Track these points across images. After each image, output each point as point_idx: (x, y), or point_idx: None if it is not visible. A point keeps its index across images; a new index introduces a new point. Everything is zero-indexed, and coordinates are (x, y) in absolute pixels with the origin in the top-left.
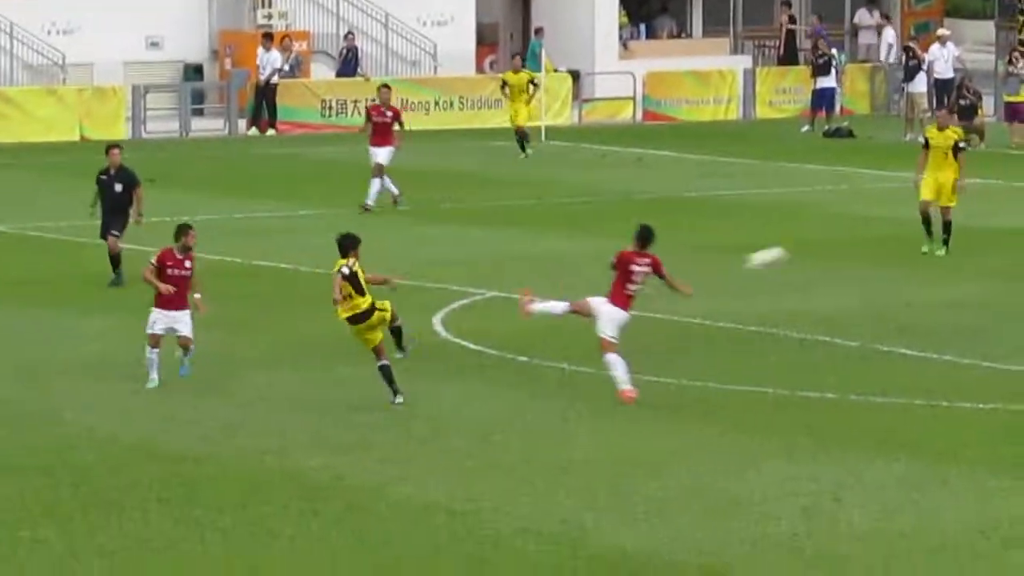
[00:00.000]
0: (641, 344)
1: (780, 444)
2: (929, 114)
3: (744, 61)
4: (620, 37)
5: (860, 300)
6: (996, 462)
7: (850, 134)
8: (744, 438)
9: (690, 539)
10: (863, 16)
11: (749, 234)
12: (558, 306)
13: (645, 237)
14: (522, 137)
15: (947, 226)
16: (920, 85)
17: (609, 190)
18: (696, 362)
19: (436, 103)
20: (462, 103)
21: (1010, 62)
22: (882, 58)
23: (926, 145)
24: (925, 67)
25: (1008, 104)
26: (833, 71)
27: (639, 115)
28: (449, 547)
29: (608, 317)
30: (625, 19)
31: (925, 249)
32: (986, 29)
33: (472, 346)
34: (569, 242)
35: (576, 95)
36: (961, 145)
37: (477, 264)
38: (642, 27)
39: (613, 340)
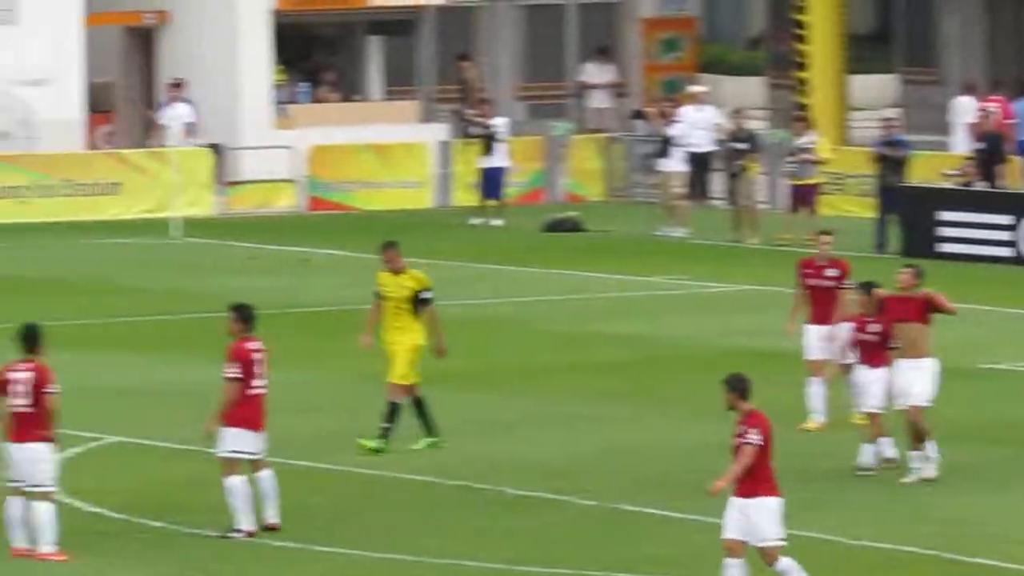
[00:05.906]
0: (301, 503)
1: None
2: (686, 202)
3: (437, 131)
4: (275, 100)
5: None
6: None
7: (577, 228)
8: None
9: None
10: (592, 72)
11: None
12: None
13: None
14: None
15: None
16: (674, 162)
17: (261, 301)
18: (373, 526)
19: (34, 187)
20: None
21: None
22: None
23: None
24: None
25: (796, 188)
26: (498, 146)
27: (302, 202)
28: None
29: None
30: (282, 76)
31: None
32: (752, 88)
33: (89, 508)
34: (208, 369)
35: (218, 176)
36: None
37: (90, 400)
38: (305, 87)
39: None
